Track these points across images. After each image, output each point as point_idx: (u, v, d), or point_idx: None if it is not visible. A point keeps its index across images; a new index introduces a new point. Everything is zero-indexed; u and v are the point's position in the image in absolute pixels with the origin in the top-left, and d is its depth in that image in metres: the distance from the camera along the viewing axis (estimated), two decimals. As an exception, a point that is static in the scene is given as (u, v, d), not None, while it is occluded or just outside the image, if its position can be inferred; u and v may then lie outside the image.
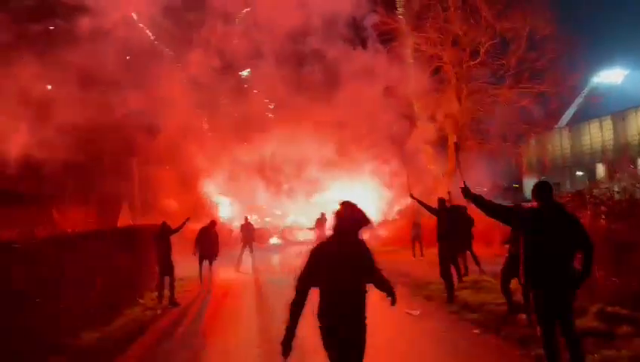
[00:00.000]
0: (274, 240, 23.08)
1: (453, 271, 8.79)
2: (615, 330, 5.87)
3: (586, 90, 33.95)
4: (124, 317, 8.05)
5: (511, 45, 21.39)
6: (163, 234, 9.28)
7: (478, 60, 21.83)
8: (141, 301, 9.48)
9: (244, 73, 26.46)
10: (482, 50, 21.55)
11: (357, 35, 24.34)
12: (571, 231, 4.25)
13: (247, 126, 24.08)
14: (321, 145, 22.96)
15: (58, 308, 5.96)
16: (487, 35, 21.19)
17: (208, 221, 12.35)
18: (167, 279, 9.30)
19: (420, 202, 9.07)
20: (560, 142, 37.38)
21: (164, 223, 9.46)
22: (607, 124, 33.43)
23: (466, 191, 4.83)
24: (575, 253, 4.32)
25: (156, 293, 9.48)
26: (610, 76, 37.61)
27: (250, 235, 14.71)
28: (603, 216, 8.80)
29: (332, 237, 3.51)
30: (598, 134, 34.29)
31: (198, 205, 21.82)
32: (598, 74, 36.17)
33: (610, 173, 22.11)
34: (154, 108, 20.93)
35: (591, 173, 32.15)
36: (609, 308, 6.57)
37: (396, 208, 22.40)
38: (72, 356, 5.89)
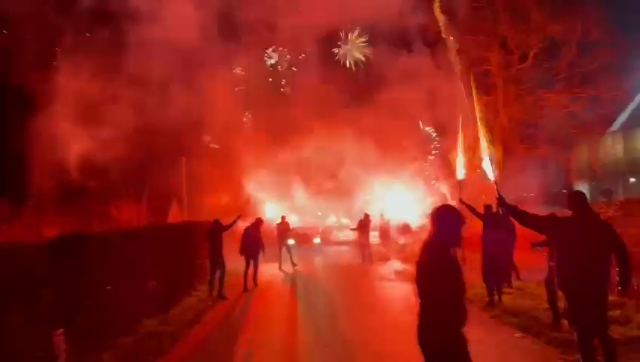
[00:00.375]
0: (317, 240, 23.38)
1: (498, 276, 8.85)
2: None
3: (641, 94, 32.31)
4: (180, 307, 8.69)
5: (562, 48, 20.82)
6: (215, 231, 9.86)
7: (527, 63, 21.39)
8: (193, 292, 10.13)
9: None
10: (531, 54, 21.10)
11: (401, 39, 24.42)
12: (606, 239, 4.30)
13: (290, 127, 24.63)
14: (362, 147, 23.17)
15: (126, 295, 6.58)
16: (537, 38, 20.72)
17: (254, 219, 12.28)
18: (217, 273, 9.87)
19: (468, 207, 9.13)
20: (613, 147, 35.76)
21: (216, 220, 10.04)
22: (664, 128, 31.64)
23: (501, 202, 5.01)
24: (611, 260, 4.36)
25: (207, 286, 10.08)
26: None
27: (285, 234, 15.08)
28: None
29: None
30: (653, 139, 32.51)
31: (244, 203, 22.55)
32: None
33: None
34: (202, 108, 21.85)
35: (646, 179, 30.56)
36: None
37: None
38: (139, 338, 6.50)
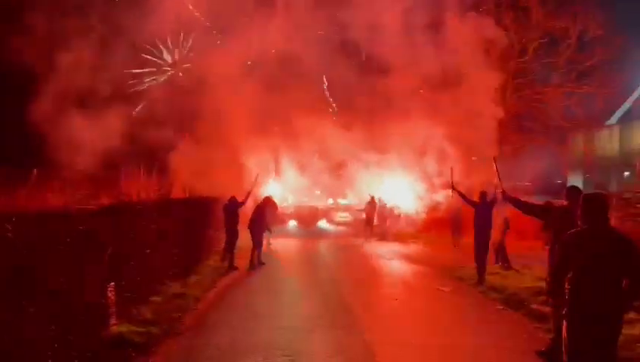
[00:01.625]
0: (322, 223, 22.27)
1: (489, 256, 9.64)
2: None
3: (640, 89, 32.93)
4: (197, 273, 9.61)
5: (560, 44, 21.46)
6: (231, 207, 10.72)
7: (526, 58, 22.04)
8: (206, 261, 11.05)
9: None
10: (531, 48, 21.74)
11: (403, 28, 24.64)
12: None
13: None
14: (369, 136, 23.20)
15: (157, 260, 7.45)
16: (537, 34, 21.33)
17: (262, 199, 12.60)
18: (230, 245, 10.77)
19: (460, 194, 9.89)
20: (609, 141, 36.51)
21: (232, 197, 10.89)
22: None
23: (504, 196, 6.06)
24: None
25: (219, 256, 11.00)
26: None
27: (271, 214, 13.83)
28: (630, 219, 9.54)
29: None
30: (649, 134, 33.23)
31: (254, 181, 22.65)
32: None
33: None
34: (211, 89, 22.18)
35: (640, 173, 31.40)
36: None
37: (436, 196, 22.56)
38: (167, 298, 7.39)
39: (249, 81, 23.30)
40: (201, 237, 10.88)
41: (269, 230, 12.66)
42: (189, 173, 24.77)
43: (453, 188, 10.08)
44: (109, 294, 5.61)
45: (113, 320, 5.65)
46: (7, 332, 3.55)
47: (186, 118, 22.72)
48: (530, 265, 10.36)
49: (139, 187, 21.46)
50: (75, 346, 4.58)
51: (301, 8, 21.33)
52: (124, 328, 5.64)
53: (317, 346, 5.63)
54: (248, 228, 11.45)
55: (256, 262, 11.16)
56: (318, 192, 26.19)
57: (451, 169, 10.58)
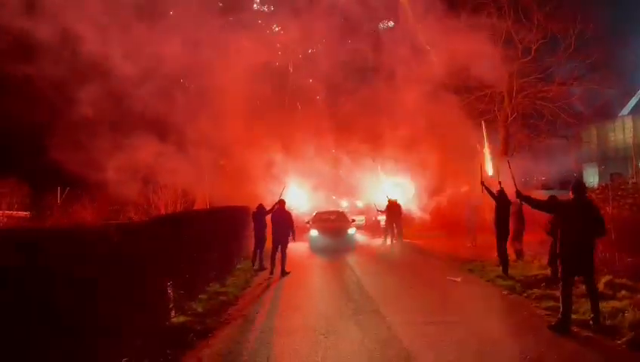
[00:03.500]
0: (352, 231, 20.54)
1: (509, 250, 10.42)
2: (616, 294, 7.64)
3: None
4: (232, 276, 10.69)
5: (562, 43, 22.16)
6: (259, 214, 11.80)
7: (529, 58, 22.73)
8: (238, 265, 12.14)
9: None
10: (533, 48, 22.43)
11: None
12: (594, 218, 6.41)
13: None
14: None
15: (201, 262, 8.56)
16: (539, 34, 22.06)
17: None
18: (259, 250, 11.84)
19: (486, 188, 10.50)
20: (622, 132, 36.72)
21: (260, 205, 12.01)
22: (674, 113, 32.52)
23: (518, 195, 7.30)
24: (596, 233, 6.46)
25: (249, 260, 12.06)
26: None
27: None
28: (627, 208, 10.34)
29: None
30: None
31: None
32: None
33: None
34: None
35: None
36: (617, 280, 8.31)
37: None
38: (210, 295, 8.48)
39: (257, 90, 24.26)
40: (234, 242, 11.97)
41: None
42: (210, 185, 25.84)
43: (482, 184, 10.70)
44: (169, 291, 6.72)
45: (173, 313, 6.76)
46: (109, 316, 4.65)
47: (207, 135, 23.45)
48: (540, 256, 11.19)
49: (166, 200, 22.81)
50: (150, 330, 5.69)
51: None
52: (182, 318, 6.75)
53: (346, 327, 6.62)
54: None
55: (281, 266, 11.16)
56: (334, 197, 26.72)
57: (480, 166, 11.56)
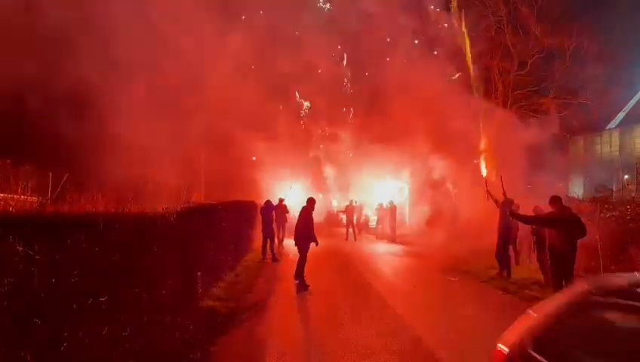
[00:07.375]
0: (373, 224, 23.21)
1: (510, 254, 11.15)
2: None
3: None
4: (242, 266, 11.33)
5: (557, 58, 23.08)
6: (267, 209, 12.45)
7: (525, 71, 23.61)
8: (249, 256, 12.79)
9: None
10: (530, 62, 23.30)
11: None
12: (576, 226, 7.35)
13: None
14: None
15: (219, 253, 9.17)
16: (535, 49, 22.90)
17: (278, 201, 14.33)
18: (268, 242, 12.49)
19: (492, 197, 11.00)
20: (609, 145, 37.83)
21: (268, 200, 12.68)
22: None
23: (513, 214, 8.42)
24: (577, 240, 7.38)
25: (258, 252, 12.72)
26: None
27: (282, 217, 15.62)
28: (613, 220, 11.13)
29: None
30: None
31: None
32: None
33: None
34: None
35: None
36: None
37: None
38: (227, 284, 9.12)
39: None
40: (245, 234, 12.61)
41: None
42: (210, 180, 26.22)
43: (488, 193, 11.31)
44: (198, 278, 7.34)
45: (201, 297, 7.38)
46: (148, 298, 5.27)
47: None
48: (531, 260, 11.97)
49: (169, 193, 23.10)
50: (185, 313, 6.31)
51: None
52: (210, 302, 7.38)
53: (357, 315, 7.32)
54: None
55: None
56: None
57: (485, 180, 12.17)
